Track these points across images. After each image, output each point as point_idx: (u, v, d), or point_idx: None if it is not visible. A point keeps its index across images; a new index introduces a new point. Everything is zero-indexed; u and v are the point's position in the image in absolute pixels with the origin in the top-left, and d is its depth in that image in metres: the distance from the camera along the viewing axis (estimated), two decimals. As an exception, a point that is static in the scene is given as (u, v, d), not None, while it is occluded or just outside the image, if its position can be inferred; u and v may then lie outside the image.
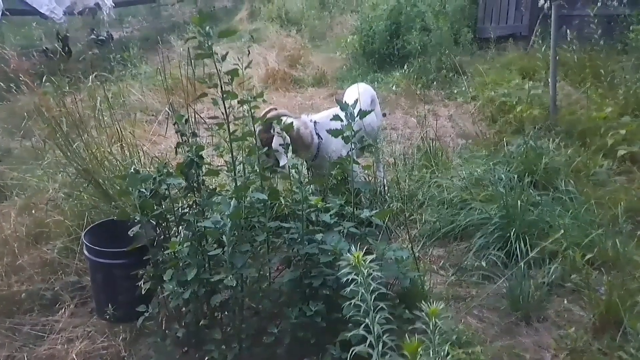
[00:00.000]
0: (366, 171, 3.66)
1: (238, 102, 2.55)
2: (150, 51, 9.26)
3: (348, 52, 9.17)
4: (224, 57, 2.45)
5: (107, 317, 2.87)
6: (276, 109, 3.58)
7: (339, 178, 3.66)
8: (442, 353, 1.95)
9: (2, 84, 3.85)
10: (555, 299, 3.08)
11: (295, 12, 11.80)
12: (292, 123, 3.08)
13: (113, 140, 3.79)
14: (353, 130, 2.71)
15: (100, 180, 3.47)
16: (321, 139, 3.64)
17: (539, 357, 2.69)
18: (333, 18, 12.20)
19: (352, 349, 1.98)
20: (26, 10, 8.40)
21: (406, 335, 1.85)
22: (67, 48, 7.32)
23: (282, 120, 3.13)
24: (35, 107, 3.63)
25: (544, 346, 2.76)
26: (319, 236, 2.61)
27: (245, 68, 2.55)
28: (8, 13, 7.96)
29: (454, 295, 3.17)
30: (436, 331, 1.85)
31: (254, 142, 2.78)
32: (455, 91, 7.01)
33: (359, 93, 3.81)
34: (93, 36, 7.79)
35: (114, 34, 8.84)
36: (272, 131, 3.39)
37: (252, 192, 2.62)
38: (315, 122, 3.65)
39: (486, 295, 3.11)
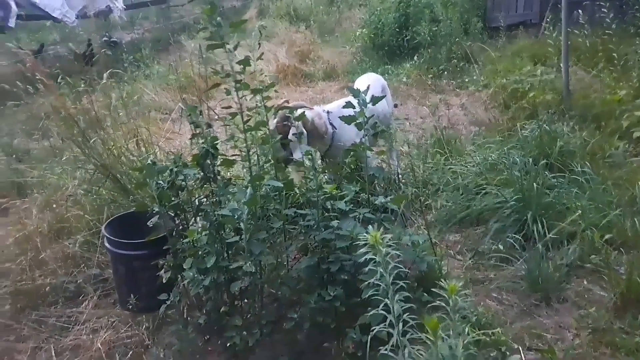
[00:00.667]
0: (380, 158, 3.67)
1: (251, 91, 2.58)
2: (161, 52, 9.36)
3: (357, 46, 9.17)
4: (235, 47, 2.48)
5: (130, 307, 2.93)
6: (287, 102, 3.61)
7: (353, 166, 3.67)
8: (463, 331, 1.96)
9: (19, 84, 3.90)
10: (574, 280, 3.08)
11: (303, 9, 11.82)
12: (304, 113, 3.11)
13: (129, 137, 3.85)
14: (366, 117, 2.72)
15: (117, 175, 3.53)
16: (335, 128, 3.66)
17: (560, 337, 2.69)
18: (341, 13, 12.21)
19: (373, 329, 2.00)
20: (40, 14, 8.54)
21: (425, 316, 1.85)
22: (91, 51, 7.44)
23: (295, 111, 3.17)
24: (52, 107, 3.69)
25: (565, 326, 2.76)
26: (334, 223, 2.63)
27: (257, 59, 2.58)
28: (23, 15, 8.15)
29: (472, 279, 3.17)
30: (456, 308, 1.86)
31: (268, 131, 2.80)
32: (467, 80, 6.99)
33: (369, 81, 3.83)
34: (105, 38, 7.88)
35: (125, 36, 8.95)
36: (288, 122, 3.42)
37: (267, 181, 2.65)
38: (328, 112, 3.67)
39: (504, 278, 3.11)
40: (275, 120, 3.37)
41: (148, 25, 11.62)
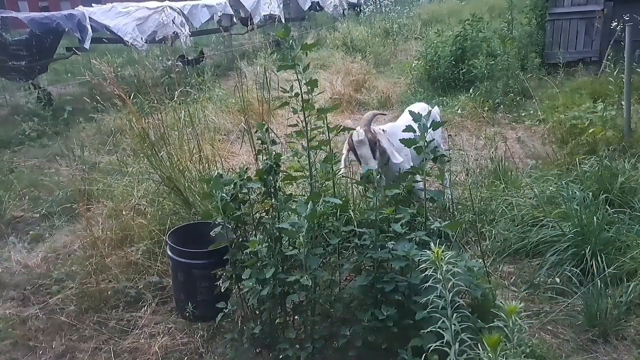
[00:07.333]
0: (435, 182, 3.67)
1: (317, 110, 2.68)
2: (222, 77, 9.71)
3: (412, 77, 9.26)
4: (305, 68, 2.60)
5: (187, 315, 3.03)
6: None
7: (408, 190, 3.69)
8: (520, 355, 1.95)
9: (95, 103, 4.17)
10: (634, 318, 2.98)
11: (360, 40, 12.05)
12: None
13: (193, 152, 4.02)
14: (426, 141, 2.76)
15: (181, 188, 3.68)
16: (392, 146, 3.69)
17: (618, 374, 2.61)
18: (397, 45, 12.38)
19: (429, 346, 2.00)
20: (112, 38, 9.09)
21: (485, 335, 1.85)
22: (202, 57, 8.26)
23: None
24: (127, 121, 3.90)
25: (623, 364, 2.68)
26: (390, 244, 2.66)
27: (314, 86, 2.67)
28: (104, 39, 8.71)
29: (526, 311, 3.11)
30: (515, 329, 1.86)
31: (329, 150, 2.89)
32: (523, 114, 6.93)
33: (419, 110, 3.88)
34: (179, 62, 8.29)
35: (189, 59, 9.42)
36: (372, 131, 3.51)
37: (326, 198, 2.73)
38: (384, 131, 3.70)
39: (560, 311, 3.04)
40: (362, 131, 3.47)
41: (209, 52, 12.10)
